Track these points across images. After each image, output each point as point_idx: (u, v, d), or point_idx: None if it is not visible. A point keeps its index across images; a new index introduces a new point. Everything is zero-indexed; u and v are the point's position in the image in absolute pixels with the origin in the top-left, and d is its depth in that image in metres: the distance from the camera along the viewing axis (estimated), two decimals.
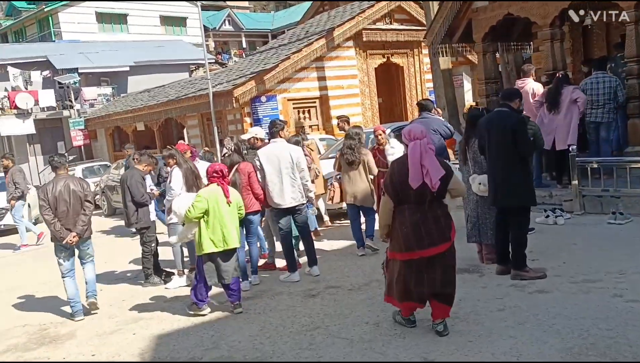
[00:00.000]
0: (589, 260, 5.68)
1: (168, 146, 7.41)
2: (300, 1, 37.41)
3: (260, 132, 7.04)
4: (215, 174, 5.49)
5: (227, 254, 5.50)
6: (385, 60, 17.16)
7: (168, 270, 7.64)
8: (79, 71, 23.87)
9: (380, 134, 7.43)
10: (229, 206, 5.46)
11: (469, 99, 18.70)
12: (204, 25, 16.41)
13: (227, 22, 38.72)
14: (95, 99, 23.81)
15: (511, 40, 11.49)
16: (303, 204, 6.52)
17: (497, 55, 11.16)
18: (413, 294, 4.19)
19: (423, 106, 7.95)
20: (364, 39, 16.17)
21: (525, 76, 8.60)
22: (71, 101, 23.11)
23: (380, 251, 7.55)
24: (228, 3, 42.35)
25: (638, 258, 5.52)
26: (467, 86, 19.15)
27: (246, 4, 45.66)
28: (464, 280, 5.61)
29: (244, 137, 7.21)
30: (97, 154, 22.75)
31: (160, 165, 10.48)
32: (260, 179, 6.43)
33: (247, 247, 6.70)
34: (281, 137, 6.49)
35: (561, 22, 9.32)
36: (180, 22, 35.37)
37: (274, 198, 6.36)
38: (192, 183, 6.97)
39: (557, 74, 8.25)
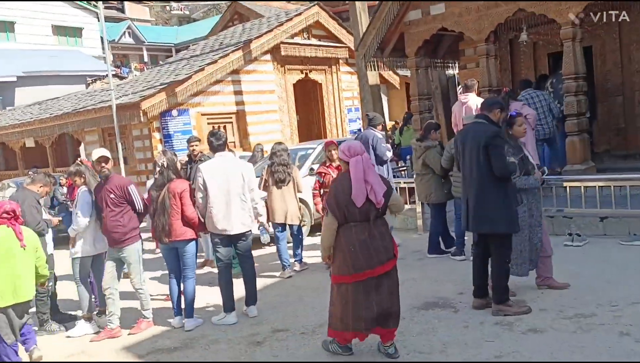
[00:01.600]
0: (567, 289, 5.12)
1: (78, 161, 6.07)
2: None
3: (104, 153, 5.58)
4: (5, 215, 4.51)
5: (21, 307, 4.54)
6: (303, 76, 16.44)
7: (71, 313, 6.27)
8: None
9: (335, 149, 6.52)
10: (24, 249, 4.53)
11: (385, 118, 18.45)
12: (102, 38, 14.85)
13: (127, 34, 36.48)
14: None
15: (437, 58, 11.20)
16: (250, 230, 5.51)
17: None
18: (362, 322, 3.94)
19: (371, 120, 7.29)
20: (282, 53, 15.34)
21: (468, 90, 8.17)
22: None
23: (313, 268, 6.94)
24: (128, 14, 40.02)
25: (621, 286, 5.02)
26: (384, 105, 18.92)
27: (147, 15, 43.47)
28: (438, 317, 4.83)
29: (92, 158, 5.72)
30: None
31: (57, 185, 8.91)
32: (199, 200, 5.34)
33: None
34: (230, 150, 5.56)
35: (495, 38, 9.06)
36: (75, 32, 32.61)
37: (218, 222, 5.28)
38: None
39: (504, 89, 7.92)
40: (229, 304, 5.47)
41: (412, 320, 4.85)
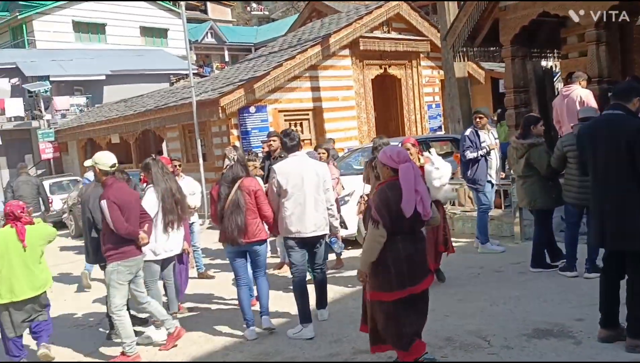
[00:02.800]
0: None
1: (152, 156, 5.67)
2: None
3: (108, 159, 4.92)
4: (8, 216, 4.76)
5: (22, 304, 4.72)
6: (382, 71, 15.64)
7: (141, 316, 5.90)
8: (51, 78, 21.80)
9: (409, 149, 5.39)
10: (25, 250, 4.70)
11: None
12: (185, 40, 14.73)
13: (209, 34, 37.05)
14: (68, 110, 21.74)
15: (534, 47, 10.07)
16: (325, 235, 5.06)
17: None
18: (405, 337, 3.61)
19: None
20: (361, 48, 14.61)
21: (572, 82, 7.11)
22: (41, 111, 21.03)
23: None
24: (210, 15, 40.73)
25: None
26: None
27: (229, 16, 44.11)
28: (555, 349, 3.96)
29: (86, 164, 5.34)
30: (67, 168, 20.65)
31: (135, 182, 8.69)
32: (272, 201, 4.96)
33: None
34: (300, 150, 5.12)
35: (607, 23, 7.89)
36: (161, 33, 33.51)
37: (292, 224, 4.86)
38: (171, 208, 5.25)
39: (627, 77, 6.84)
40: (305, 315, 4.91)
41: (522, 350, 4.02)
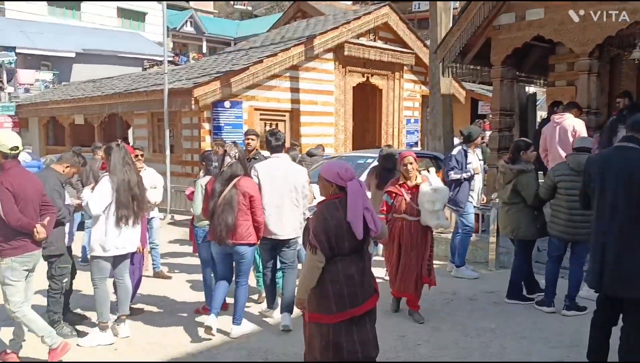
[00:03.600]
0: None
1: (118, 142, 5.18)
2: None
3: (8, 140, 4.31)
4: None
5: None
6: (364, 80, 15.39)
7: (83, 313, 5.43)
8: (17, 50, 20.85)
9: (411, 163, 5.13)
10: None
11: None
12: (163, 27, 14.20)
13: (189, 23, 36.32)
14: (32, 84, 20.80)
15: (522, 71, 9.97)
16: (297, 237, 5.16)
17: None
18: None
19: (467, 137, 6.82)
20: (346, 53, 14.33)
21: (567, 110, 6.96)
22: (2, 83, 20.05)
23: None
24: (192, 4, 39.96)
25: None
26: None
27: (211, 7, 43.39)
28: None
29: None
30: (25, 145, 19.71)
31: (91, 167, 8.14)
32: None
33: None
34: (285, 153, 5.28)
35: (600, 54, 7.80)
36: (139, 16, 32.69)
37: (269, 225, 4.97)
38: (125, 202, 4.79)
39: (613, 113, 6.72)
40: (272, 299, 5.37)
41: None
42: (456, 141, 15.13)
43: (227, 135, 12.53)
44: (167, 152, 12.20)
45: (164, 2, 13.37)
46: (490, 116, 8.77)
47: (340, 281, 3.26)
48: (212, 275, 5.62)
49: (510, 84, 8.75)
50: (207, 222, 5.47)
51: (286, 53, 13.22)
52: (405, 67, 16.14)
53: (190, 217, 6.16)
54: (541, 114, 15.71)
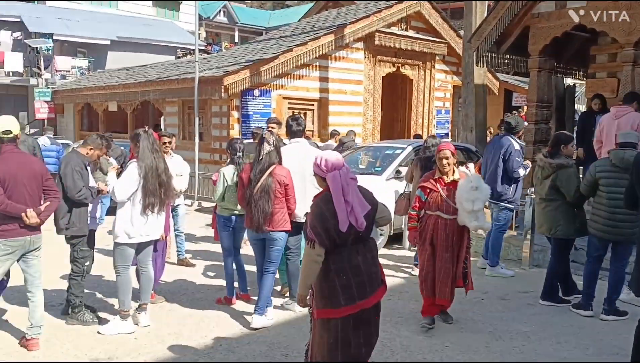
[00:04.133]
0: None
1: (145, 129, 5.04)
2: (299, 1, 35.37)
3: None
4: None
5: None
6: (394, 69, 15.00)
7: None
8: (55, 37, 21.07)
9: (447, 157, 4.58)
10: None
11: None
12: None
13: (222, 13, 36.29)
14: (69, 71, 21.04)
15: (560, 62, 9.46)
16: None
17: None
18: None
19: (513, 127, 6.38)
20: (376, 43, 13.96)
21: (628, 103, 6.50)
22: (40, 69, 20.29)
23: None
24: None
25: None
26: None
27: None
28: None
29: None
30: (61, 131, 19.93)
31: (124, 153, 8.03)
32: None
33: None
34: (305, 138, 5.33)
35: None
36: (174, 5, 32.70)
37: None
38: (153, 189, 4.64)
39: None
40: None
41: None
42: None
43: (256, 123, 12.37)
44: (197, 139, 12.09)
45: None
46: (526, 107, 8.31)
47: (347, 272, 3.12)
48: (234, 264, 5.47)
49: (547, 75, 8.28)
50: (228, 211, 5.33)
51: (316, 42, 12.94)
52: (437, 57, 15.68)
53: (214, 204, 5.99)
54: (579, 107, 15.08)
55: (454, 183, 4.59)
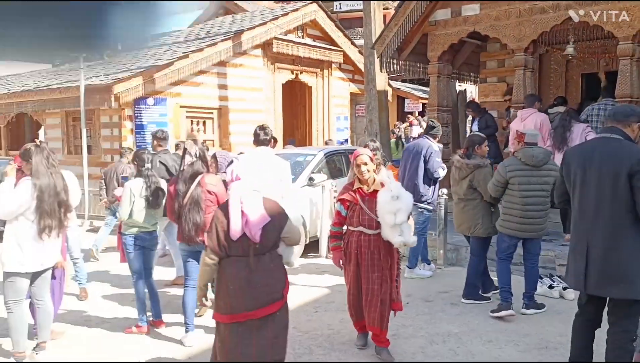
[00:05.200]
0: None
1: (37, 142, 4.41)
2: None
3: None
4: None
5: None
6: (293, 77, 14.92)
7: None
8: None
9: (366, 163, 4.09)
10: None
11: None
12: None
13: None
14: None
15: (454, 68, 9.89)
16: None
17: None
18: None
19: (432, 128, 6.46)
20: (274, 50, 13.79)
21: (530, 105, 6.90)
22: None
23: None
24: None
25: None
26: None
27: None
28: None
29: None
30: None
31: None
32: None
33: None
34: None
35: (534, 50, 7.81)
36: None
37: None
38: (50, 210, 4.08)
39: (566, 109, 6.70)
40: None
41: None
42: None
43: (150, 134, 11.69)
44: (85, 153, 11.13)
45: None
46: (427, 111, 8.58)
47: (234, 282, 3.24)
48: (146, 287, 4.99)
49: (446, 80, 8.62)
50: (136, 229, 4.87)
51: (213, 48, 12.49)
52: (333, 65, 15.85)
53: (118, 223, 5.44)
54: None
55: (376, 192, 4.07)
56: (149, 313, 4.99)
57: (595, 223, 3.18)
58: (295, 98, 15.90)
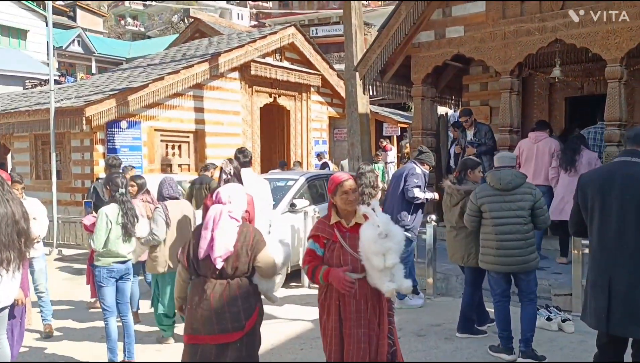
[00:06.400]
0: None
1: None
2: None
3: None
4: None
5: None
6: (272, 100, 14.64)
7: None
8: None
9: (354, 189, 3.22)
10: None
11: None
12: (48, 43, 12.53)
13: (76, 42, 33.68)
14: None
15: (436, 91, 9.72)
16: None
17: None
18: None
19: (420, 153, 6.21)
20: (252, 73, 13.52)
21: (542, 130, 6.78)
22: None
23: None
24: (79, 23, 37.24)
25: None
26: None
27: (100, 27, 40.77)
28: None
29: None
30: None
31: None
32: None
33: None
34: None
35: (519, 73, 7.67)
36: (20, 34, 29.61)
37: None
38: (8, 242, 3.61)
39: (575, 132, 6.62)
40: None
41: None
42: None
43: (125, 158, 11.20)
44: (54, 178, 10.58)
45: (50, 11, 11.78)
46: (412, 135, 8.34)
47: (197, 303, 3.23)
48: (123, 323, 4.56)
49: (430, 102, 8.41)
50: (112, 259, 4.46)
51: (189, 71, 12.14)
52: (312, 89, 15.65)
53: (86, 252, 5.01)
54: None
55: (355, 227, 3.20)
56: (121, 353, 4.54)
57: (617, 255, 2.88)
58: (273, 122, 15.61)
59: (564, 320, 5.11)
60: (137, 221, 4.69)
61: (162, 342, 5.17)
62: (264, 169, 14.24)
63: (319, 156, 14.70)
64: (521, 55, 7.21)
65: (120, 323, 4.64)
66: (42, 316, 5.57)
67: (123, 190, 4.64)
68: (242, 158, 5.48)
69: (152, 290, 5.43)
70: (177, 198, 5.31)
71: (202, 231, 3.31)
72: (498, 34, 7.35)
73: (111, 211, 4.52)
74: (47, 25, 11.53)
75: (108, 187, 4.70)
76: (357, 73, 9.69)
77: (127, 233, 4.56)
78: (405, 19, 7.82)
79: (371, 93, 8.68)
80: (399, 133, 17.79)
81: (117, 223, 4.51)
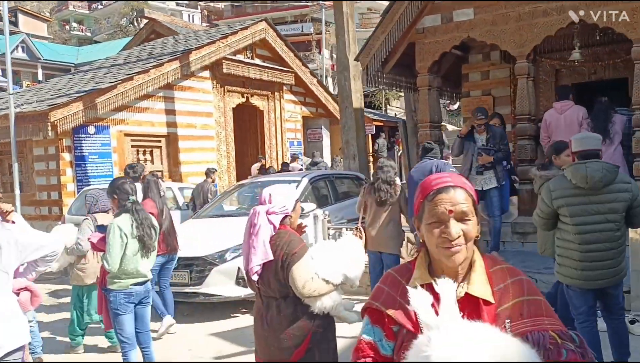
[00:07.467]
0: None
1: None
2: None
3: None
4: None
5: None
6: (244, 100, 13.77)
7: None
8: None
9: (462, 211, 1.44)
10: None
11: (326, 155, 16.22)
12: None
13: (20, 48, 31.47)
14: None
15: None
16: None
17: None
18: None
19: (430, 150, 5.70)
20: (224, 70, 12.61)
21: (565, 97, 6.29)
22: None
23: None
24: (22, 28, 34.95)
25: None
26: (327, 140, 16.72)
27: (44, 32, 38.49)
28: None
29: None
30: None
31: None
32: None
33: None
34: None
35: (534, 57, 7.20)
36: None
37: None
38: None
39: (602, 99, 6.09)
40: None
41: None
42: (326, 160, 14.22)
43: (94, 166, 10.13)
44: (17, 191, 9.36)
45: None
46: (420, 128, 7.72)
47: (256, 320, 2.86)
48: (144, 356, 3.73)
49: (436, 93, 7.82)
50: (130, 281, 3.63)
51: (159, 69, 11.14)
52: (285, 87, 14.87)
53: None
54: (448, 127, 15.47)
55: (477, 302, 1.38)
56: None
57: None
58: (246, 123, 14.73)
59: (632, 322, 4.59)
60: (156, 233, 3.84)
61: (70, 352, 4.93)
62: (240, 175, 13.37)
63: (293, 157, 13.92)
64: (538, 37, 6.72)
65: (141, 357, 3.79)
66: (30, 348, 4.60)
67: (134, 197, 3.79)
68: (131, 173, 5.62)
69: (73, 301, 5.02)
70: (106, 211, 4.65)
71: (244, 242, 2.83)
72: (512, 16, 6.83)
73: (124, 222, 3.66)
74: None
75: (115, 196, 3.83)
76: (350, 65, 9.06)
77: (145, 247, 3.72)
78: (410, 2, 7.19)
79: (375, 85, 7.99)
80: (374, 131, 17.24)
81: (132, 236, 3.65)
